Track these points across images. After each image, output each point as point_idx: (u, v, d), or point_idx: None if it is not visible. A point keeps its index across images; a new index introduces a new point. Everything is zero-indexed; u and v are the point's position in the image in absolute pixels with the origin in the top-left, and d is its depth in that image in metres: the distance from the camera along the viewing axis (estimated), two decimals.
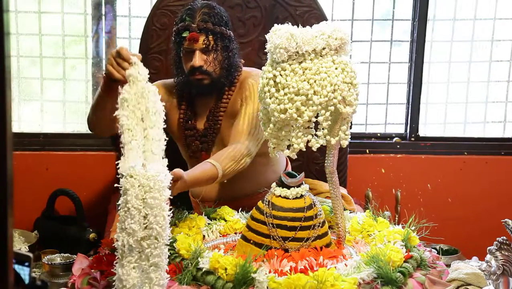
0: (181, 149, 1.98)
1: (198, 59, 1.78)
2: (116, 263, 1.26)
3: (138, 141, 1.31)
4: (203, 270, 1.38)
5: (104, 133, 1.90)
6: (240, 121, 1.78)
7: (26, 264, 0.84)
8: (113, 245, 1.28)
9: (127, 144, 1.30)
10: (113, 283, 1.27)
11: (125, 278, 1.23)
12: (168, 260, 1.30)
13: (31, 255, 0.95)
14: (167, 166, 1.35)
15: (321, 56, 1.51)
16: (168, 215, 1.26)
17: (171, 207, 1.30)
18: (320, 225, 1.51)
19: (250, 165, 1.78)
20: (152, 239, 1.24)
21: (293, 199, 1.51)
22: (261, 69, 1.58)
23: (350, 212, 1.77)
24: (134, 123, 1.32)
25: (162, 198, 1.24)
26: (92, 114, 1.75)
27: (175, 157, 1.87)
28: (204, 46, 1.78)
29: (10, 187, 0.70)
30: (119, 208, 1.26)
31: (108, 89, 1.56)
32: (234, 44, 1.86)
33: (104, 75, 1.55)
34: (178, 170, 1.49)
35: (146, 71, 1.42)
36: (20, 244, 2.07)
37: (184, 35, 1.79)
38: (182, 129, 1.91)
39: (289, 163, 2.07)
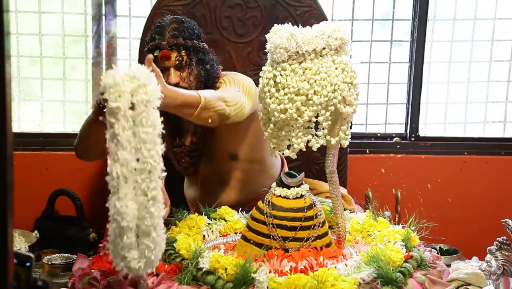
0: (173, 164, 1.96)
1: (173, 77, 1.75)
2: (111, 197, 1.18)
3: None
4: (203, 270, 1.38)
5: (92, 159, 1.85)
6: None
7: (28, 264, 0.84)
8: (106, 179, 1.21)
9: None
10: (109, 219, 1.19)
11: (124, 211, 1.16)
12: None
13: (32, 255, 0.94)
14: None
15: (321, 56, 1.52)
16: (161, 149, 1.22)
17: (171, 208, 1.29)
18: (320, 225, 1.52)
19: (246, 172, 1.77)
20: (146, 173, 1.19)
21: (293, 199, 1.52)
22: (261, 69, 1.58)
23: (350, 212, 1.78)
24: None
25: (155, 133, 1.21)
26: (80, 141, 1.72)
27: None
28: (177, 62, 1.75)
29: (10, 187, 0.70)
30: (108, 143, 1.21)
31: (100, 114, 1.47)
32: (210, 56, 1.83)
33: (95, 103, 1.49)
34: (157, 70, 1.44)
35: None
36: (20, 244, 2.07)
37: (155, 54, 1.75)
38: (170, 147, 1.87)
39: (285, 163, 2.08)
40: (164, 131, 1.78)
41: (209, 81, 1.80)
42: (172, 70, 1.76)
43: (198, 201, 1.87)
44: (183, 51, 1.76)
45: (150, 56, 1.42)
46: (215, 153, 1.90)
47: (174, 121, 1.87)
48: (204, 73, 1.79)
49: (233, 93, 1.71)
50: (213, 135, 1.87)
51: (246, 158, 1.92)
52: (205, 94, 1.61)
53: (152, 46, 1.77)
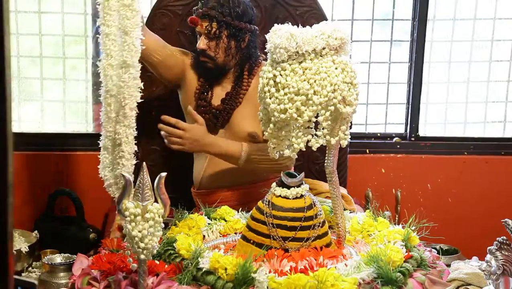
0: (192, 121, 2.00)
1: (201, 43, 1.88)
2: None
3: None
4: (203, 270, 1.38)
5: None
6: None
7: None
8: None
9: None
10: None
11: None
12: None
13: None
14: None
15: (321, 56, 1.52)
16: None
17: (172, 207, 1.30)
18: (320, 225, 1.52)
19: (259, 155, 1.83)
20: None
21: (293, 199, 1.52)
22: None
23: (350, 212, 1.78)
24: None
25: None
26: None
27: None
28: (206, 31, 1.87)
29: (10, 187, 0.70)
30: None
31: None
32: (251, 36, 1.92)
33: None
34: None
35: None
36: (20, 244, 2.07)
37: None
38: (196, 99, 1.98)
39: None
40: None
41: (244, 61, 1.92)
42: (202, 36, 1.89)
43: (203, 176, 1.96)
44: (214, 23, 1.86)
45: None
46: (235, 129, 1.94)
47: (207, 80, 1.97)
48: (236, 50, 1.90)
49: None
50: (237, 112, 1.94)
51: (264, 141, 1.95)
52: (249, 148, 1.79)
53: (193, 9, 1.91)
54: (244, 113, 1.93)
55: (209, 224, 1.70)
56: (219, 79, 1.96)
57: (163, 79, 2.03)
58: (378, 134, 2.60)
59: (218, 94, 1.97)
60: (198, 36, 1.92)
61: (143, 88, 1.70)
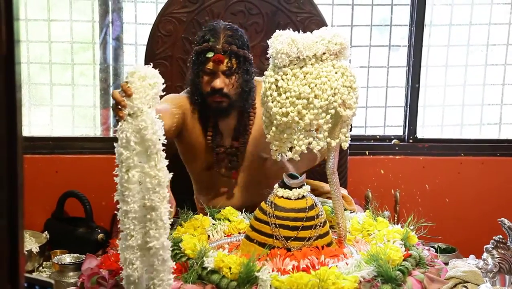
0: (198, 166, 1.92)
1: (220, 81, 1.74)
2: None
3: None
4: (208, 269, 1.39)
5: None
6: None
7: None
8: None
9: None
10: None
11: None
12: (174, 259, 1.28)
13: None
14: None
15: (321, 60, 1.52)
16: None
17: (178, 209, 1.30)
18: (322, 225, 1.53)
19: (275, 173, 1.77)
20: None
21: (295, 199, 1.53)
22: (263, 74, 1.59)
23: (350, 212, 1.79)
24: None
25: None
26: None
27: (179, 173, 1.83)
28: (226, 68, 1.74)
29: (21, 190, 0.70)
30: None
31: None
32: (253, 67, 1.82)
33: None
34: None
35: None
36: (31, 245, 2.07)
37: (208, 55, 1.73)
38: (209, 146, 1.86)
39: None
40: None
41: (250, 92, 1.80)
42: (220, 74, 1.74)
43: (233, 204, 1.83)
44: (234, 59, 1.75)
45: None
46: (253, 156, 1.87)
47: (214, 122, 1.85)
48: (246, 84, 1.78)
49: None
50: (254, 139, 1.85)
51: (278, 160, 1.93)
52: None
53: (206, 47, 1.74)
54: (253, 140, 1.85)
55: (213, 224, 1.70)
56: (225, 116, 1.82)
57: (171, 138, 1.84)
58: (377, 136, 2.60)
59: (225, 131, 1.87)
60: (200, 74, 1.76)
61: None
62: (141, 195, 1.23)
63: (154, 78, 1.25)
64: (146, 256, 1.23)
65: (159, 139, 1.24)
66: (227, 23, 1.83)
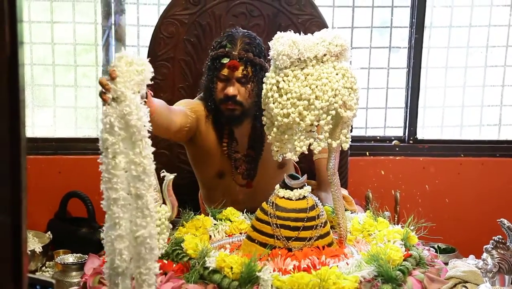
0: (210, 173, 1.90)
1: (233, 89, 1.71)
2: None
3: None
4: (210, 269, 1.40)
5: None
6: None
7: None
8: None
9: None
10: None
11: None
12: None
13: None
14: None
15: (322, 62, 1.53)
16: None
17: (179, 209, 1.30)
18: (322, 225, 1.54)
19: (277, 181, 1.74)
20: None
21: (296, 200, 1.54)
22: (265, 75, 1.59)
23: (351, 213, 1.79)
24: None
25: None
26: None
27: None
28: (242, 76, 1.71)
29: (24, 190, 0.70)
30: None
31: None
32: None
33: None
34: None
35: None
36: (34, 245, 2.07)
37: (224, 61, 1.71)
38: (224, 154, 1.83)
39: (299, 169, 2.08)
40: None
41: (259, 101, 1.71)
42: (235, 81, 1.72)
43: (247, 211, 1.81)
44: (250, 67, 1.71)
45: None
46: (266, 163, 1.85)
47: (229, 129, 1.81)
48: (259, 93, 1.69)
49: None
50: (266, 145, 1.82)
51: (291, 165, 1.91)
52: None
53: (222, 52, 1.72)
54: (267, 148, 1.81)
55: (215, 224, 1.71)
56: (239, 123, 1.80)
57: (182, 141, 1.87)
58: (378, 137, 2.61)
59: (240, 139, 1.84)
60: (215, 80, 1.74)
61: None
62: (127, 183, 1.21)
63: (142, 66, 1.23)
64: (133, 245, 1.22)
65: (144, 126, 1.22)
66: (246, 30, 1.81)
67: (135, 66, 1.23)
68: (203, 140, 1.84)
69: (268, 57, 1.58)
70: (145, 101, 1.25)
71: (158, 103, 1.63)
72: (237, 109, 1.75)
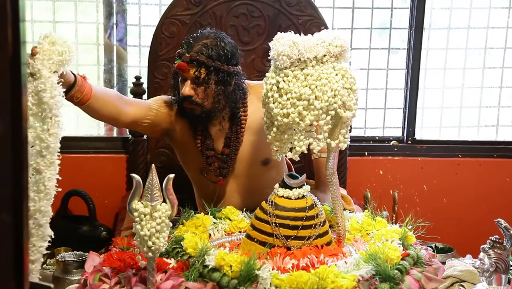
0: (192, 169, 1.92)
1: (187, 89, 1.71)
2: None
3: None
4: (209, 267, 1.39)
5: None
6: None
7: None
8: None
9: None
10: None
11: None
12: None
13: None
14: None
15: (322, 63, 1.53)
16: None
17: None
18: (321, 224, 1.54)
19: (263, 179, 1.77)
20: None
21: (295, 199, 1.54)
22: (265, 75, 1.60)
23: (349, 212, 1.79)
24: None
25: None
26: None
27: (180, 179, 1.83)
28: (194, 77, 1.71)
29: (26, 189, 0.70)
30: None
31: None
32: (237, 79, 1.77)
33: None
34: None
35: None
36: None
37: (175, 62, 1.73)
38: (200, 150, 1.85)
39: (292, 166, 2.09)
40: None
41: (230, 102, 1.76)
42: (188, 82, 1.72)
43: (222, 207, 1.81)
44: (203, 69, 1.70)
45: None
46: (248, 160, 1.86)
47: (204, 126, 1.83)
48: (224, 95, 1.73)
49: None
50: (248, 142, 1.84)
51: (275, 162, 1.90)
52: None
53: (177, 53, 1.74)
54: (249, 145, 1.84)
55: (214, 223, 1.71)
56: (212, 121, 1.81)
57: (153, 135, 1.95)
58: (377, 138, 2.62)
59: (217, 136, 1.85)
60: (179, 79, 1.76)
61: None
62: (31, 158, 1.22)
63: (64, 48, 1.26)
64: None
65: (56, 105, 1.24)
66: (216, 31, 1.78)
67: (58, 46, 1.26)
68: (180, 137, 1.87)
69: (240, 60, 1.61)
70: (63, 82, 1.27)
71: (102, 90, 1.68)
72: (195, 109, 1.76)
